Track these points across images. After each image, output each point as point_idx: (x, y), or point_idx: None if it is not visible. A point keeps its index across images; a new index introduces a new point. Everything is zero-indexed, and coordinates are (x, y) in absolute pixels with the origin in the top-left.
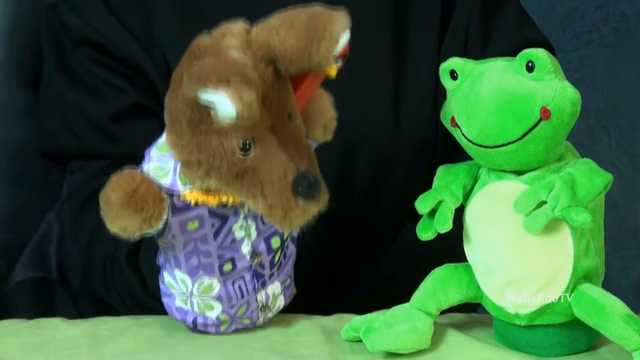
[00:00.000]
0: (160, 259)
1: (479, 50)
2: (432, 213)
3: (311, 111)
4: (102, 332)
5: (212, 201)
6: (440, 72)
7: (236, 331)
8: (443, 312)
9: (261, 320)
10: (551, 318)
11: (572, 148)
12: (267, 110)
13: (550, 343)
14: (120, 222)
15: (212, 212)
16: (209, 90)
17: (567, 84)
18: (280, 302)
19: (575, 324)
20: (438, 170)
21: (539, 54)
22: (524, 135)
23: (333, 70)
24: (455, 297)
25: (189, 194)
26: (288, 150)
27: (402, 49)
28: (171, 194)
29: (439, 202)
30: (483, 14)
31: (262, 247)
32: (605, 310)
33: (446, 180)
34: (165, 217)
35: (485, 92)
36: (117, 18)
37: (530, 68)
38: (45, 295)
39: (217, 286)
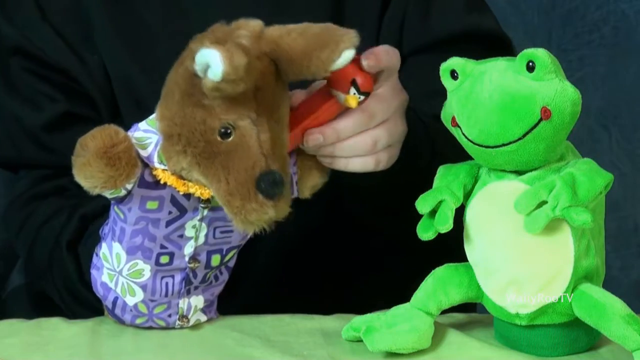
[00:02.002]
0: (105, 229)
1: (415, 30)
2: (433, 213)
3: (309, 166)
4: (102, 332)
5: (180, 187)
6: (441, 72)
7: (233, 330)
8: (443, 312)
9: (177, 328)
10: (552, 318)
11: (573, 148)
12: (257, 103)
13: (550, 343)
14: (88, 170)
15: (174, 200)
16: (205, 47)
17: (567, 83)
18: (201, 317)
19: (575, 324)
20: (439, 170)
21: (540, 54)
22: (524, 135)
23: (353, 102)
24: (456, 297)
25: (162, 172)
26: (264, 147)
27: None
28: (145, 166)
29: (440, 202)
30: None
31: (203, 257)
32: (606, 310)
33: (446, 180)
34: (132, 184)
35: (485, 91)
36: (52, 25)
37: (530, 68)
38: (42, 300)
39: (147, 274)
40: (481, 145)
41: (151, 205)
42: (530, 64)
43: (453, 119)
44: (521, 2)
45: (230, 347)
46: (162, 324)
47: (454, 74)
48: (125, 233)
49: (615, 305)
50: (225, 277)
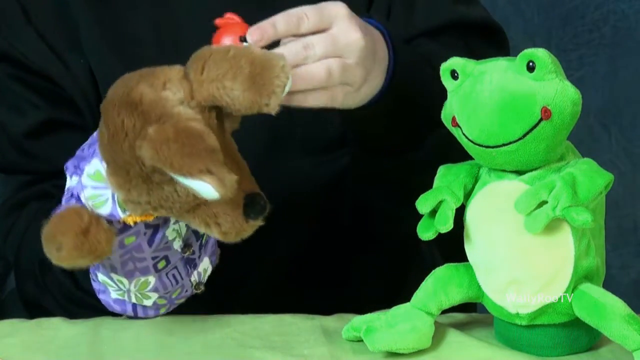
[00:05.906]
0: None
1: (401, 23)
2: (433, 213)
3: None
4: (103, 331)
5: (150, 217)
6: (441, 72)
7: (234, 330)
8: (444, 312)
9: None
10: (552, 318)
11: (573, 148)
12: None
13: (551, 343)
14: (71, 262)
15: (147, 225)
16: (192, 178)
17: (567, 83)
18: (209, 269)
19: (576, 323)
20: (439, 170)
21: (540, 54)
22: (524, 135)
23: None
24: (456, 296)
25: (129, 217)
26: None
27: None
28: (110, 220)
29: (440, 202)
30: None
31: (192, 237)
32: (606, 310)
33: (447, 180)
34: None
35: (486, 91)
36: (36, 29)
37: (531, 68)
38: (32, 304)
39: (152, 280)
40: (481, 145)
41: (129, 240)
42: (531, 64)
43: (453, 119)
44: (521, 2)
45: (230, 347)
46: (182, 300)
47: (454, 74)
48: (116, 267)
49: (616, 305)
50: None
